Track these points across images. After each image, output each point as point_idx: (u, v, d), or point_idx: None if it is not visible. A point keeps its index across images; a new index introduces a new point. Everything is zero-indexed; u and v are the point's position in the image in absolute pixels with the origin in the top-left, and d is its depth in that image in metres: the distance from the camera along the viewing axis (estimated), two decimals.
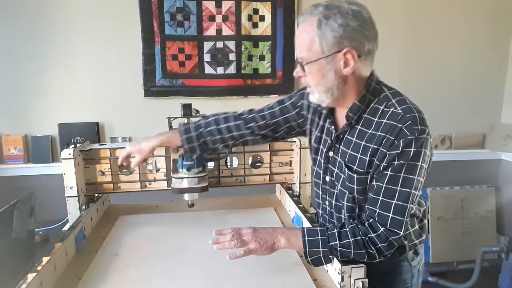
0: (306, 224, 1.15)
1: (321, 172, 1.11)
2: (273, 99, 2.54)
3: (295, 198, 1.33)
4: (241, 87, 2.50)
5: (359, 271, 0.90)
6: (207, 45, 2.41)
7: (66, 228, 1.16)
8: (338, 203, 1.07)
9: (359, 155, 0.98)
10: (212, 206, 1.37)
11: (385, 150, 0.93)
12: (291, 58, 2.48)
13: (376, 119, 0.97)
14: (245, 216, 1.28)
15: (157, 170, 1.28)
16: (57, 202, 1.34)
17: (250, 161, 1.37)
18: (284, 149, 1.39)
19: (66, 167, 1.15)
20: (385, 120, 0.95)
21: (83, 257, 1.01)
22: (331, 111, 1.08)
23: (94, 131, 2.39)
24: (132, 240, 1.11)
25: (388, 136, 0.93)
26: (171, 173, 1.18)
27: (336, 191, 1.07)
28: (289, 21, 2.42)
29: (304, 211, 1.24)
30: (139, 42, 2.35)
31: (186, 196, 1.18)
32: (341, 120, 1.05)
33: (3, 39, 2.26)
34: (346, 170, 1.01)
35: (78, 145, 1.20)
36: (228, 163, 1.36)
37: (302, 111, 1.18)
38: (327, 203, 1.13)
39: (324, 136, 1.11)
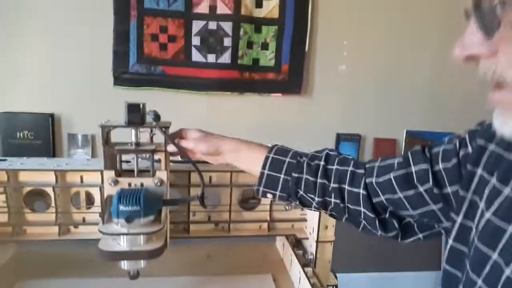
0: None
1: None
2: (275, 98, 2.08)
3: (306, 263, 0.85)
4: (236, 81, 2.06)
5: None
6: (197, 25, 1.97)
7: None
8: None
9: None
10: (174, 264, 0.89)
11: None
12: (301, 48, 2.03)
13: None
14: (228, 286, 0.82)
15: (89, 208, 0.80)
16: None
17: (239, 198, 0.89)
18: None
19: None
20: None
21: None
22: None
23: (47, 125, 1.98)
24: None
25: None
26: (101, 222, 0.69)
27: None
28: (302, 2, 1.97)
29: (320, 286, 0.77)
30: (110, 15, 1.91)
31: (125, 265, 0.70)
32: None
33: None
34: None
35: None
36: (205, 200, 0.87)
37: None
38: None
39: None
